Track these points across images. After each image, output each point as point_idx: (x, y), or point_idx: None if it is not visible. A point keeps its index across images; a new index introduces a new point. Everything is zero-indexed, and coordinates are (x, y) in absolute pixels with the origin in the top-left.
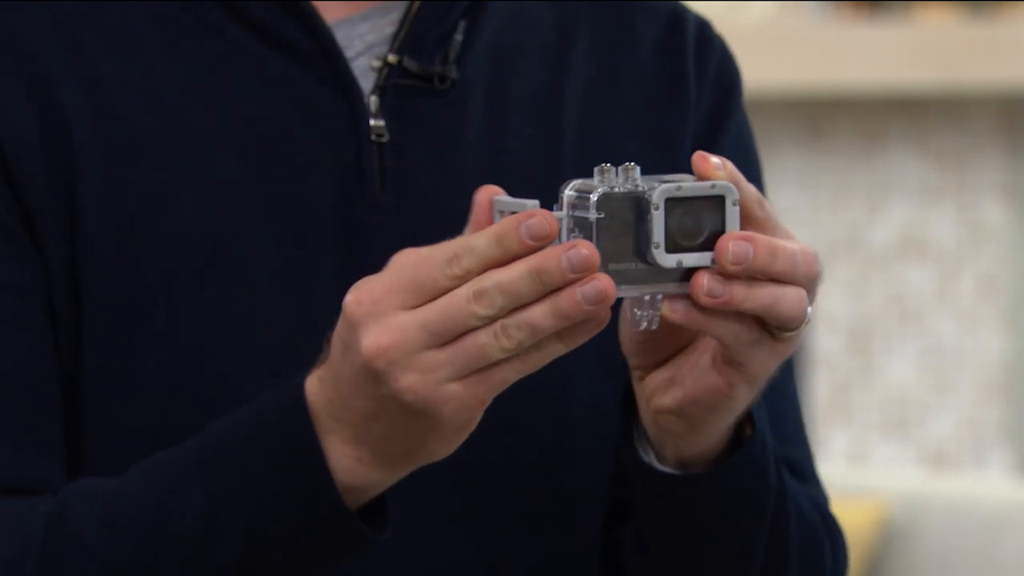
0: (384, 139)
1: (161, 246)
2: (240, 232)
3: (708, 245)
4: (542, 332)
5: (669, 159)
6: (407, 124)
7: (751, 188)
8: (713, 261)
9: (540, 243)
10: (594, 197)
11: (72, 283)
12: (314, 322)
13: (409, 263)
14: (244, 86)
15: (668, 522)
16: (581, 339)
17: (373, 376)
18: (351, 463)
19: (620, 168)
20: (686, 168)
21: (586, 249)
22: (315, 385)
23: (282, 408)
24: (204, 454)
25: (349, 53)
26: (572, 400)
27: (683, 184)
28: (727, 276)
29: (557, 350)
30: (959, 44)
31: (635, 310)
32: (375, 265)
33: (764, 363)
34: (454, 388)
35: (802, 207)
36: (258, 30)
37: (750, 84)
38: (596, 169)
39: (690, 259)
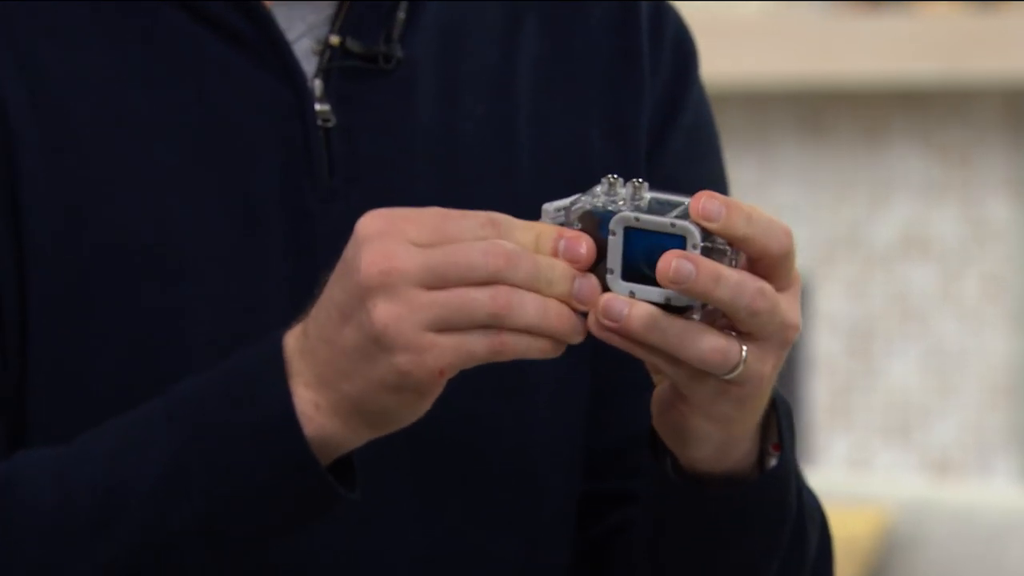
0: (331, 124)
1: (104, 237)
2: (185, 222)
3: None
4: (524, 319)
5: (624, 140)
6: (353, 107)
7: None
8: (667, 300)
9: (571, 262)
10: (576, 209)
11: (18, 279)
12: (265, 313)
13: (439, 211)
14: (185, 72)
15: (685, 533)
16: (555, 352)
17: (360, 295)
18: (308, 408)
19: (629, 182)
20: (636, 151)
21: (589, 286)
22: (294, 332)
23: (255, 357)
24: (169, 409)
25: (290, 36)
26: (534, 392)
27: (642, 216)
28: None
29: (533, 348)
30: (963, 35)
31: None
32: (326, 254)
33: (711, 403)
34: (426, 337)
35: (801, 204)
36: (197, 14)
37: (749, 77)
38: (603, 179)
39: (643, 292)
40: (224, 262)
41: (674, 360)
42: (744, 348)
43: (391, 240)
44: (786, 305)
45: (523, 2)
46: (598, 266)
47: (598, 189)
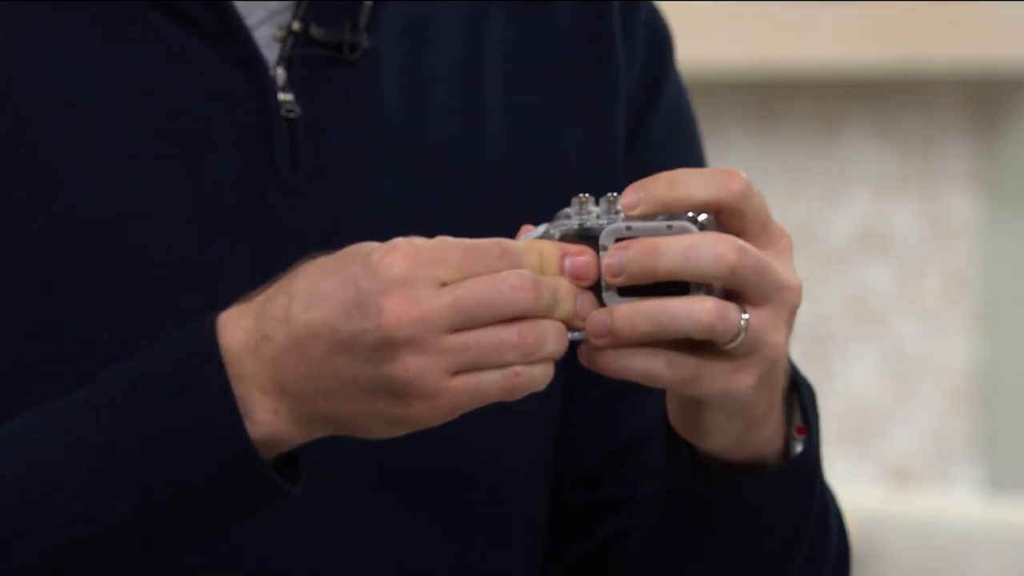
0: (294, 114)
1: (52, 229)
2: (137, 215)
3: (668, 290)
4: (547, 351)
5: (599, 129)
6: (318, 97)
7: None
8: None
9: (576, 281)
10: (555, 232)
11: None
12: (221, 310)
13: (459, 244)
14: (141, 58)
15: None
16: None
17: (382, 342)
18: (264, 414)
19: (602, 199)
20: (612, 140)
21: (589, 302)
22: (241, 326)
23: (187, 348)
24: (96, 398)
25: (250, 21)
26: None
27: (634, 224)
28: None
29: (541, 379)
30: (922, 20)
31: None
32: (288, 249)
33: (723, 387)
34: (444, 382)
35: None
36: (155, 0)
37: (695, 64)
38: (574, 200)
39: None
40: (179, 257)
41: (664, 354)
42: (744, 313)
43: (420, 286)
44: (777, 265)
45: None
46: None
47: (569, 210)
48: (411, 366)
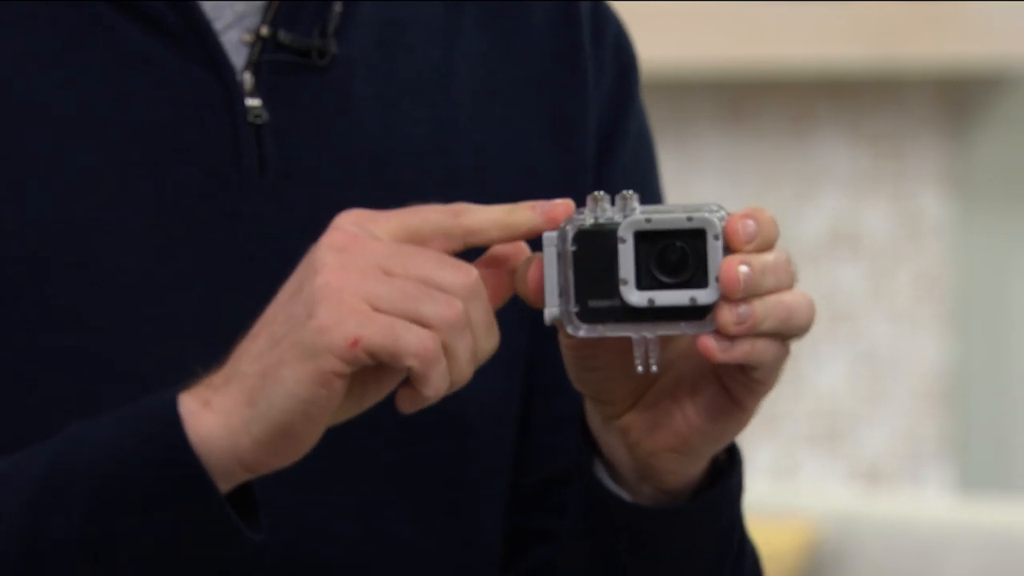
0: (262, 120)
1: (11, 238)
2: (101, 224)
3: (692, 282)
4: (460, 348)
5: (569, 143)
6: (286, 104)
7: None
8: (692, 300)
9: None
10: (571, 227)
11: None
12: (186, 325)
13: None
14: (106, 65)
15: (642, 552)
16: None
17: (312, 261)
18: (194, 405)
19: (617, 196)
20: (581, 154)
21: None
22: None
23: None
24: (59, 436)
25: (218, 25)
26: (466, 409)
27: (653, 216)
28: (735, 302)
29: (441, 387)
30: (894, 19)
31: (635, 354)
32: (255, 259)
33: (777, 374)
34: (359, 304)
35: (722, 197)
36: (118, 3)
37: (668, 63)
38: (589, 197)
39: (665, 297)
40: (141, 266)
41: (773, 342)
42: None
43: (366, 226)
44: None
45: (462, 1)
46: (601, 279)
47: (584, 209)
48: (334, 271)
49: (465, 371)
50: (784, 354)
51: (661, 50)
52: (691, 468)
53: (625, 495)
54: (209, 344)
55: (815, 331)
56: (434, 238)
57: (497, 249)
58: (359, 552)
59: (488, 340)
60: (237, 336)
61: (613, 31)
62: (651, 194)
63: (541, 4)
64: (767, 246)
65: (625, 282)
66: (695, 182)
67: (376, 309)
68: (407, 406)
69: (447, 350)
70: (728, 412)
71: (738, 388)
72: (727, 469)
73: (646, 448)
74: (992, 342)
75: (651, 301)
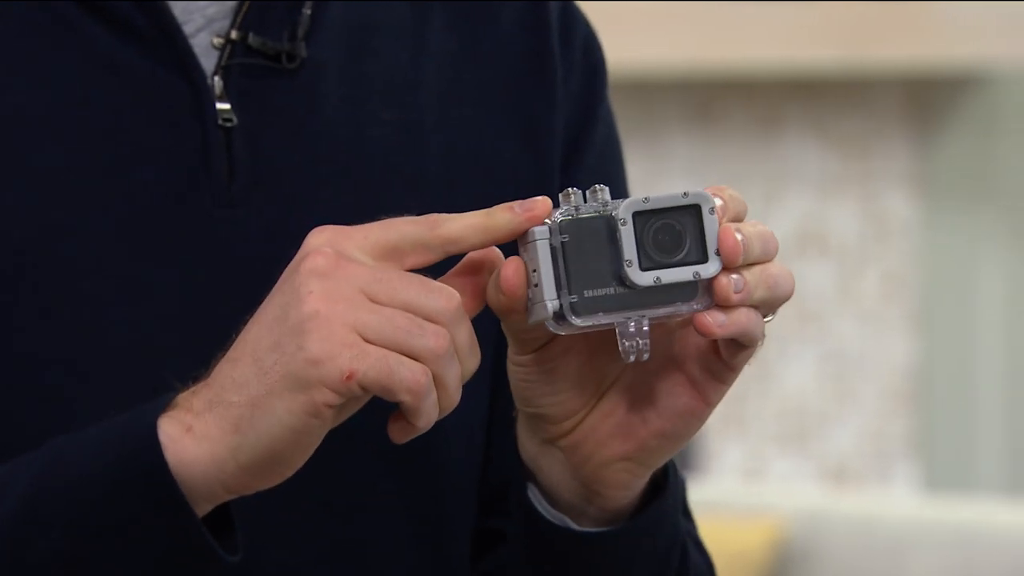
0: (231, 123)
1: None
2: (69, 228)
3: (689, 258)
4: (449, 378)
5: (537, 145)
6: (256, 107)
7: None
8: (695, 275)
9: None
10: (557, 219)
11: None
12: (156, 329)
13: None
14: (73, 65)
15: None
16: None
17: (296, 286)
18: (176, 429)
19: (587, 191)
20: (549, 157)
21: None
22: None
23: (143, 407)
24: (40, 452)
25: (188, 28)
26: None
27: (651, 196)
28: (730, 271)
29: (430, 417)
30: (861, 20)
31: (624, 341)
32: (224, 262)
33: (749, 357)
34: (350, 335)
35: None
36: (87, 4)
37: (636, 64)
38: (561, 195)
39: (669, 275)
40: (111, 273)
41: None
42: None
43: (344, 245)
44: None
45: (431, 1)
46: (595, 268)
47: (560, 207)
48: (319, 299)
49: (454, 397)
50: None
51: (630, 51)
52: (640, 480)
53: (563, 521)
54: (180, 348)
55: (783, 331)
56: (413, 252)
57: (473, 256)
58: (326, 562)
59: (472, 361)
60: (208, 340)
61: (582, 33)
62: (619, 196)
63: (509, 5)
64: (742, 215)
65: (630, 263)
66: (663, 183)
67: (366, 340)
68: (400, 438)
69: (437, 380)
70: (693, 410)
71: (708, 380)
72: (664, 487)
73: (598, 461)
74: (958, 341)
75: (658, 280)
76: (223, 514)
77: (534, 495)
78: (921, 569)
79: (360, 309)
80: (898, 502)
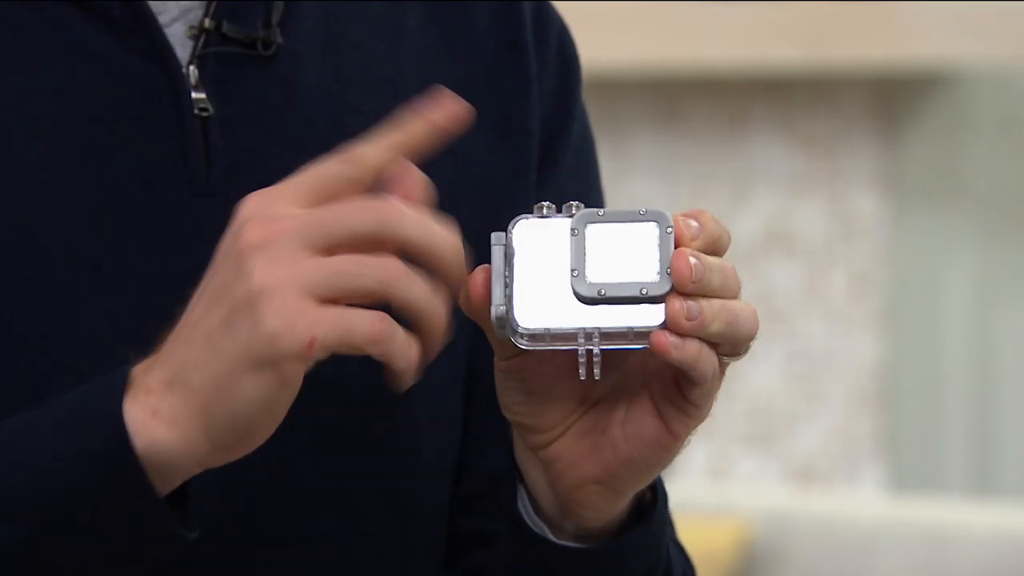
0: (208, 113)
1: None
2: (45, 218)
3: (639, 275)
4: (411, 294)
5: (512, 142)
6: (232, 96)
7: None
8: (642, 291)
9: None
10: (512, 227)
11: None
12: (130, 318)
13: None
14: (48, 56)
15: None
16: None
17: (238, 262)
18: (143, 414)
19: (564, 206)
20: (525, 154)
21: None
22: (148, 360)
23: (97, 383)
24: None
25: (163, 19)
26: (412, 407)
27: (609, 209)
28: (686, 297)
29: (407, 354)
30: (827, 19)
31: (578, 358)
32: (202, 251)
33: (712, 399)
34: (304, 302)
35: (657, 197)
36: None
37: (602, 63)
38: (535, 207)
39: (614, 288)
40: (87, 262)
41: (713, 353)
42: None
43: (273, 207)
44: None
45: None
46: (549, 279)
47: (530, 215)
48: (263, 273)
49: (434, 308)
50: (721, 377)
51: (596, 50)
52: (614, 505)
53: (542, 531)
54: (156, 336)
55: None
56: (341, 190)
57: (388, 173)
58: (299, 553)
59: (430, 238)
60: None
61: (556, 29)
62: (594, 192)
63: (483, 4)
64: (713, 246)
65: (575, 273)
66: (630, 182)
67: (319, 299)
68: (399, 386)
69: (405, 303)
70: (659, 441)
71: (672, 413)
72: (650, 510)
73: (570, 480)
74: (925, 341)
75: (601, 292)
76: (180, 491)
77: (522, 499)
78: (888, 569)
79: (304, 269)
80: (865, 502)
